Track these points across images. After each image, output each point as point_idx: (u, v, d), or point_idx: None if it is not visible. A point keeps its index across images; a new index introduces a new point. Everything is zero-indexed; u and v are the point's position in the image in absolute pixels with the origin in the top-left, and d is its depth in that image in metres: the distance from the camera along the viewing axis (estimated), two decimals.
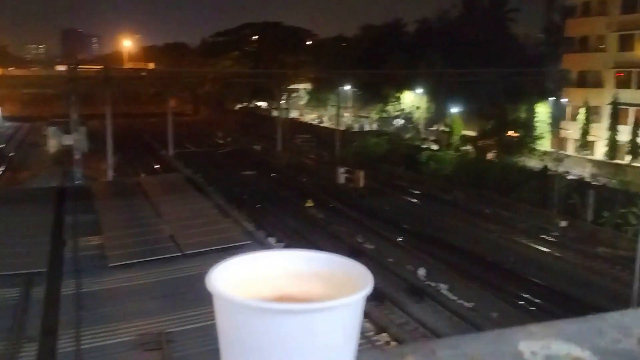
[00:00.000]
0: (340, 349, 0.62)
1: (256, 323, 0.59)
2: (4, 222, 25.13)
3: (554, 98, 46.62)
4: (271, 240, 28.61)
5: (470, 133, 52.28)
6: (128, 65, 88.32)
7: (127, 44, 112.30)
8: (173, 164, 53.65)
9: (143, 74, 72.83)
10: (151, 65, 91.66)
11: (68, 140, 49.83)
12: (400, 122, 69.44)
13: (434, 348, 0.85)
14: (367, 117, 76.43)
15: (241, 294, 0.62)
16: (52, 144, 59.45)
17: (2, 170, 52.42)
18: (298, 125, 76.76)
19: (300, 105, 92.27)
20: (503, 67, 50.39)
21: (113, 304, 16.83)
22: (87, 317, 15.76)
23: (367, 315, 22.30)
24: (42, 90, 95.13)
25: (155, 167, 54.00)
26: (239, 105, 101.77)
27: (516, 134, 49.05)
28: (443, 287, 24.99)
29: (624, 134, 43.01)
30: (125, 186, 34.92)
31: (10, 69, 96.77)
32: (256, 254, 0.72)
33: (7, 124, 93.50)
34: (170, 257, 20.82)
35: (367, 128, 73.87)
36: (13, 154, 63.43)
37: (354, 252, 30.08)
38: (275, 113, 75.48)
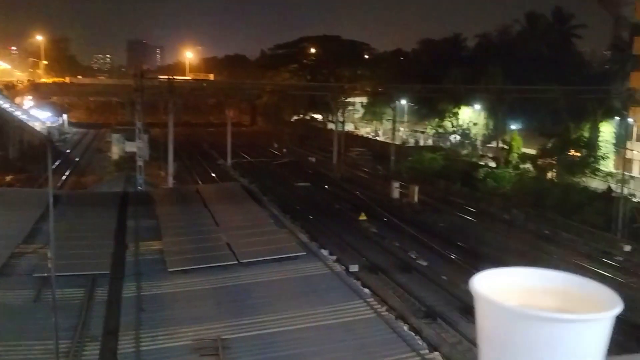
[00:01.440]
0: None
1: (519, 328, 0.66)
2: (70, 224, 26.13)
3: (620, 117, 45.11)
4: (324, 252, 28.68)
5: (530, 151, 51.12)
6: (190, 75, 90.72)
7: (189, 55, 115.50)
8: (230, 173, 54.63)
9: (204, 84, 74.68)
10: (211, 76, 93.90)
11: (131, 147, 51.55)
12: (457, 137, 68.60)
13: None
14: (423, 132, 75.84)
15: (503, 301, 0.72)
16: (116, 151, 61.65)
17: (67, 175, 54.53)
18: (353, 139, 76.90)
19: (355, 118, 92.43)
20: (567, 84, 49.14)
21: (172, 308, 17.24)
22: (146, 320, 16.19)
23: (419, 333, 22.05)
24: (108, 98, 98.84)
25: (213, 175, 55.07)
26: (295, 117, 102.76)
27: (578, 154, 47.66)
28: None
29: None
30: (184, 193, 35.76)
31: (79, 77, 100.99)
32: (505, 270, 0.83)
33: (74, 129, 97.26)
34: (227, 264, 21.17)
35: (422, 143, 73.29)
36: (78, 159, 65.95)
37: (407, 268, 29.83)
38: (330, 125, 75.89)
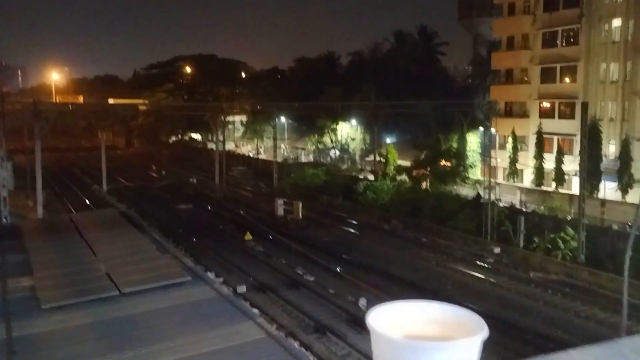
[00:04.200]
0: None
1: (409, 357, 0.80)
2: None
3: (484, 128, 48.49)
4: (210, 275, 28.12)
5: (405, 163, 53.51)
6: (57, 98, 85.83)
7: (55, 76, 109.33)
8: (107, 199, 52.15)
9: (70, 107, 70.85)
10: (81, 98, 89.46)
11: None
12: (336, 153, 70.37)
13: None
14: (304, 149, 77.02)
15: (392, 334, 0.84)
16: None
17: None
18: (234, 157, 76.44)
19: (236, 137, 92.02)
20: (434, 98, 52.09)
21: (49, 348, 16.03)
22: None
23: (309, 348, 22.18)
24: None
25: (87, 202, 52.31)
26: (173, 138, 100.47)
27: (449, 163, 50.57)
28: None
29: (549, 161, 45.11)
30: (56, 223, 33.55)
31: None
32: (396, 304, 0.94)
33: None
34: (107, 296, 20.06)
35: (304, 159, 74.40)
36: None
37: (295, 284, 29.98)
38: (211, 145, 74.95)
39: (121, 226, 31.56)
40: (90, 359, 14.99)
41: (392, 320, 0.92)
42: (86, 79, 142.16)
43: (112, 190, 55.98)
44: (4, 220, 37.62)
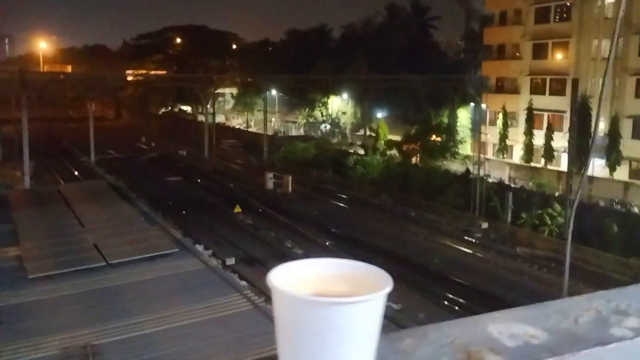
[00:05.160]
0: (369, 335, 0.86)
1: (310, 314, 0.80)
2: None
3: (475, 104, 48.41)
4: (199, 247, 28.17)
5: (396, 138, 53.46)
6: (45, 67, 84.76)
7: (43, 45, 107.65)
8: (95, 170, 51.86)
9: (61, 76, 70.01)
10: (69, 68, 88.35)
11: None
12: (327, 127, 70.15)
13: (426, 331, 1.09)
14: (294, 122, 76.70)
15: (294, 291, 0.84)
16: None
17: None
18: (224, 130, 76.01)
19: (226, 109, 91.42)
20: (426, 73, 51.85)
21: (34, 317, 16.06)
22: (6, 332, 14.97)
23: None
24: None
25: (76, 173, 52.00)
26: (163, 110, 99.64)
27: (439, 139, 50.57)
28: None
29: (539, 138, 45.20)
30: (44, 194, 33.41)
31: None
32: (299, 262, 0.92)
33: None
34: (95, 267, 20.10)
35: (294, 133, 74.13)
36: None
37: (283, 257, 30.11)
38: (201, 117, 74.45)
39: (109, 198, 31.51)
40: (76, 329, 15.06)
41: (295, 278, 0.89)
42: (75, 48, 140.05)
43: (100, 162, 55.66)
44: None
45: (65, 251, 21.40)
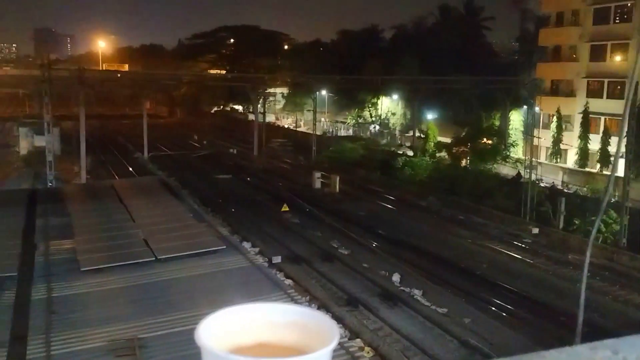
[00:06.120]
0: None
1: None
2: None
3: (528, 106, 47.33)
4: (246, 245, 28.52)
5: (445, 139, 52.79)
6: (103, 66, 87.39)
7: (102, 44, 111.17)
8: (148, 166, 53.17)
9: (117, 75, 72.08)
10: (126, 67, 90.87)
11: (40, 141, 49.09)
12: (376, 127, 69.88)
13: None
14: (343, 123, 76.72)
15: (226, 345, 0.74)
16: (24, 145, 58.55)
17: None
18: (274, 129, 76.69)
19: (276, 109, 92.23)
20: (478, 74, 51.01)
21: (85, 309, 16.59)
22: (57, 322, 15.51)
23: (340, 321, 22.36)
24: (14, 90, 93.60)
25: (129, 169, 53.44)
26: (215, 108, 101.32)
27: (490, 141, 49.68)
28: (417, 293, 25.13)
29: (595, 142, 43.84)
30: (98, 189, 34.47)
31: None
32: (239, 307, 0.84)
33: None
34: (143, 262, 20.60)
35: (343, 133, 74.15)
36: None
37: (329, 257, 30.15)
38: (251, 117, 75.32)
39: (160, 194, 32.24)
40: (124, 322, 15.47)
41: (244, 324, 0.81)
42: (132, 47, 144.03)
43: (153, 158, 56.98)
44: (50, 184, 38.78)
45: (116, 245, 22.02)
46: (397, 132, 67.98)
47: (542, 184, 39.97)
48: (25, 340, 14.54)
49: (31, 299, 17.14)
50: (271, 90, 77.12)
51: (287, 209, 39.02)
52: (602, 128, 44.33)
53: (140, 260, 20.56)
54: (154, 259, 20.77)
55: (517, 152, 49.26)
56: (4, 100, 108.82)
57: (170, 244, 22.00)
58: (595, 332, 21.54)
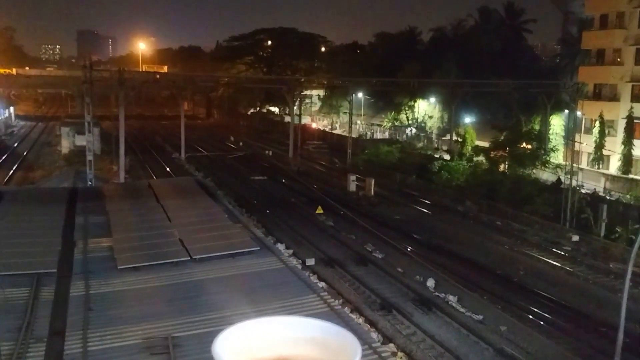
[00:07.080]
0: None
1: None
2: (15, 221, 25.24)
3: (569, 110, 46.29)
4: (280, 246, 28.53)
5: (483, 144, 51.99)
6: (143, 67, 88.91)
7: (142, 46, 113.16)
8: (185, 166, 53.81)
9: (157, 76, 73.08)
10: (165, 68, 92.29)
11: (81, 140, 50.15)
12: (413, 130, 69.31)
13: None
14: (379, 125, 76.34)
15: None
16: (65, 145, 59.94)
17: (14, 170, 52.72)
18: (310, 131, 76.76)
19: (312, 111, 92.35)
20: (518, 77, 50.12)
21: (121, 306, 16.80)
22: (94, 319, 15.74)
23: (373, 324, 22.15)
24: (57, 90, 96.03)
25: (167, 169, 54.16)
26: (251, 110, 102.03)
27: (529, 146, 48.72)
28: (452, 299, 24.75)
29: (639, 148, 42.60)
30: (136, 188, 34.99)
31: (26, 68, 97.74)
32: (257, 320, 0.81)
33: (21, 123, 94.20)
34: (179, 261, 20.78)
35: (379, 136, 73.78)
36: (26, 153, 63.89)
37: (363, 261, 29.96)
38: (287, 118, 75.57)
39: (196, 194, 32.50)
40: (159, 320, 15.60)
41: (260, 338, 0.78)
42: (171, 49, 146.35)
43: (190, 159, 57.64)
44: (89, 182, 39.54)
45: (152, 244, 22.26)
46: (433, 136, 67.30)
47: (583, 191, 38.98)
48: (63, 336, 14.79)
49: (69, 296, 17.43)
50: (307, 92, 77.24)
51: (322, 211, 38.96)
52: None
53: (176, 260, 20.74)
54: (189, 258, 20.93)
55: (558, 158, 48.19)
56: (47, 100, 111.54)
57: (205, 244, 22.15)
58: (637, 344, 20.86)
